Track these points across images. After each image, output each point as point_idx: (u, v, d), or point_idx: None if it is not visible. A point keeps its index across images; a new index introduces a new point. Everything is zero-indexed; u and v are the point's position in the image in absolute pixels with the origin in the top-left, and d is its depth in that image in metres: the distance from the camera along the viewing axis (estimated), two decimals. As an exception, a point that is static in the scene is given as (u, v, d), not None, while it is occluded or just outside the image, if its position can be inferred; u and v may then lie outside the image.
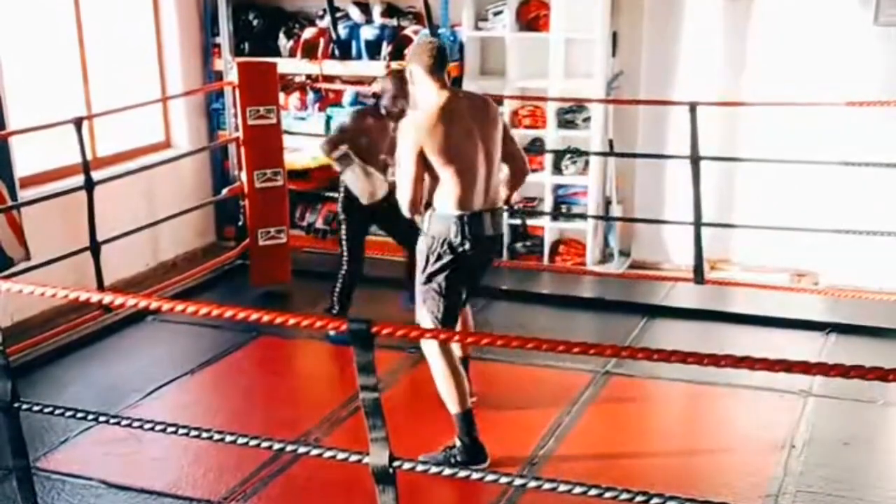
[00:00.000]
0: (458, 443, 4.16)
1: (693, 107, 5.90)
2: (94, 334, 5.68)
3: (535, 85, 7.27)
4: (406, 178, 4.02)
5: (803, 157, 6.18)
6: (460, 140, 4.04)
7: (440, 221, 4.09)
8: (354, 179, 5.32)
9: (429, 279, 4.15)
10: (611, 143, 7.29)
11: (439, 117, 4.02)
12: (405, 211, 4.11)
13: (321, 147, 5.43)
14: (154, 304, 3.39)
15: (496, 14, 7.31)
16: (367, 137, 5.30)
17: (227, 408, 5.01)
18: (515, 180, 4.42)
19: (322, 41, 7.66)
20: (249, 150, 6.36)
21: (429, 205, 4.14)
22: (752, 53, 7.05)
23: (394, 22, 7.58)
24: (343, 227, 5.54)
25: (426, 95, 4.15)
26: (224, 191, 7.00)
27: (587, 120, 7.30)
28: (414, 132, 4.03)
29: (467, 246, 4.07)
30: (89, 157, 5.89)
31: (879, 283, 6.55)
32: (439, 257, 4.11)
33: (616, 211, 7.43)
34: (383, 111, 5.27)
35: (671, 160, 6.79)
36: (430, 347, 4.15)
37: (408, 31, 7.47)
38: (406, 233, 5.08)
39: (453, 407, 4.16)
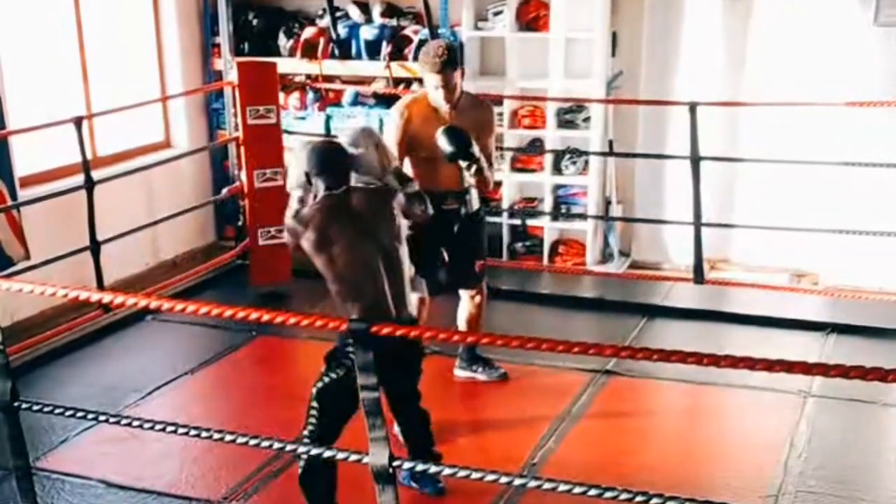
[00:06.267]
0: None
1: (693, 107, 5.89)
2: (94, 334, 5.69)
3: (534, 85, 7.27)
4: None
5: (803, 157, 6.18)
6: None
7: None
8: None
9: None
10: (611, 143, 7.28)
11: None
12: None
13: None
14: (154, 304, 3.38)
15: (496, 14, 7.31)
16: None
17: (227, 408, 5.01)
18: None
19: (322, 41, 7.66)
20: (249, 149, 6.36)
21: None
22: (752, 53, 7.05)
23: (393, 22, 7.58)
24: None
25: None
26: (224, 190, 6.98)
27: (587, 120, 7.30)
28: None
29: None
30: (89, 156, 5.90)
31: (879, 283, 6.56)
32: None
33: (616, 211, 7.42)
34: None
35: (671, 160, 6.79)
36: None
37: (407, 31, 7.47)
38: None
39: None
